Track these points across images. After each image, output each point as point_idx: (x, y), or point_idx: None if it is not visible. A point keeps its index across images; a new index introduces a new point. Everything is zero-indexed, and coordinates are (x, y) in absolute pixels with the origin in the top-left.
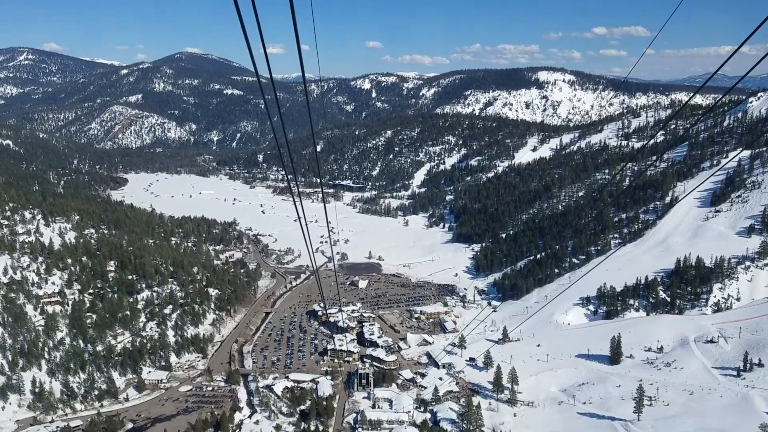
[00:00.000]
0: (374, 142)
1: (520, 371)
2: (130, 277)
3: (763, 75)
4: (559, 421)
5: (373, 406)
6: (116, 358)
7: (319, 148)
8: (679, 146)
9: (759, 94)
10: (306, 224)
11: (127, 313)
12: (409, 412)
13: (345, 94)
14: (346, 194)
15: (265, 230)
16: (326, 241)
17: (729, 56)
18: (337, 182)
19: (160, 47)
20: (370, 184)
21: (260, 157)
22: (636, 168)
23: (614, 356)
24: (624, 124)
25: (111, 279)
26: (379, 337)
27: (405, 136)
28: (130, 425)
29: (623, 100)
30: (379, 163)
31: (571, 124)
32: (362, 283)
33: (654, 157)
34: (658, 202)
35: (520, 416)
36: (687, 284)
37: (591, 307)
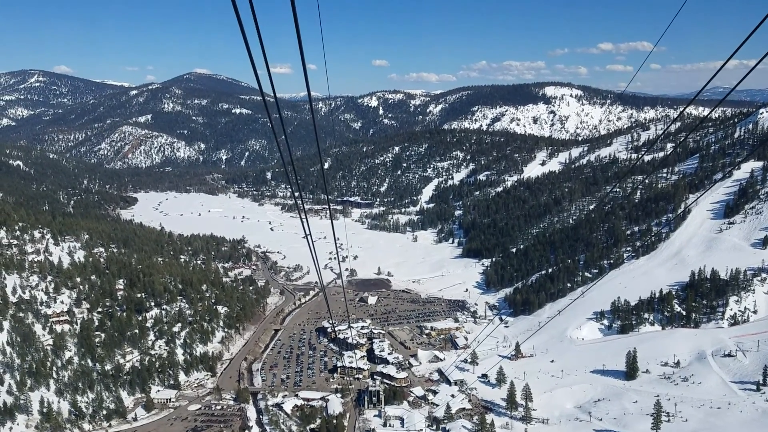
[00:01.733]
0: (382, 158)
1: (534, 388)
2: (138, 295)
3: None
4: None
5: (384, 425)
6: (125, 377)
7: (327, 165)
8: (691, 158)
9: None
10: (313, 241)
11: (136, 331)
12: (421, 430)
13: (352, 111)
14: (354, 210)
15: (273, 247)
16: (335, 258)
17: (715, 72)
18: (345, 199)
19: (169, 68)
20: (378, 200)
21: (268, 175)
22: (647, 181)
23: (630, 371)
24: (633, 137)
25: (120, 297)
26: (389, 354)
27: (413, 152)
28: None
29: (631, 114)
30: (387, 180)
31: (580, 138)
32: (371, 300)
33: (665, 170)
34: (670, 215)
35: None
36: (702, 297)
37: (605, 322)
